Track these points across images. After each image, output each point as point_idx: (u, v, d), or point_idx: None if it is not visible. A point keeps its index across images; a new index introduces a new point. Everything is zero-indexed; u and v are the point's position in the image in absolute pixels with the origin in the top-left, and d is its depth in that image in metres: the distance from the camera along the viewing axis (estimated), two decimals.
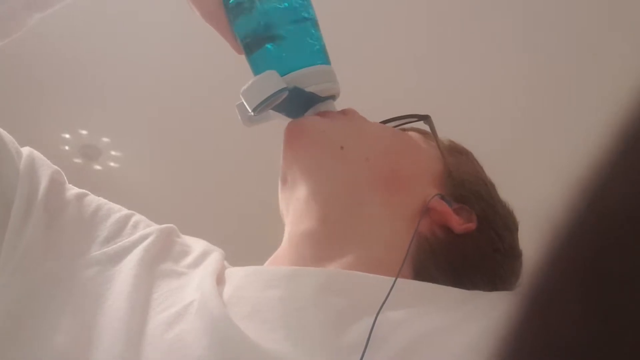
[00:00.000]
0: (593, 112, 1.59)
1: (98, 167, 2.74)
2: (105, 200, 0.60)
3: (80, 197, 0.58)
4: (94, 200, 0.59)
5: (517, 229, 0.61)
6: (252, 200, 2.34)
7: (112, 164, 2.72)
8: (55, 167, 0.59)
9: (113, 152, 2.67)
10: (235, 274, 0.52)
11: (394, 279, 0.47)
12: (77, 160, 2.71)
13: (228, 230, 2.64)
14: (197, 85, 2.23)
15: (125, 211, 0.60)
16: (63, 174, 0.59)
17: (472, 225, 0.56)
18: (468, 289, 0.53)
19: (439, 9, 1.82)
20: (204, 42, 1.79)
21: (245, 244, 1.94)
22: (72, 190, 0.59)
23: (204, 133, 2.44)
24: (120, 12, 2.02)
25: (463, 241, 0.56)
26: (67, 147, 2.66)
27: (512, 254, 0.59)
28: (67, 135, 2.60)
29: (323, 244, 0.54)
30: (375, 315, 0.43)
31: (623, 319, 0.12)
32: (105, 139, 2.60)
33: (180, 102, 2.33)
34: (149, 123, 2.47)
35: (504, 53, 1.91)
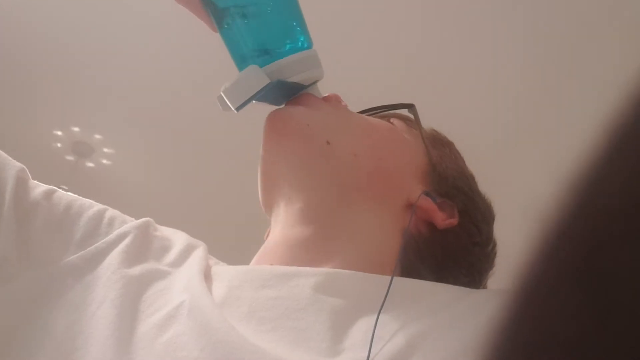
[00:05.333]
0: (587, 106, 1.59)
1: (90, 165, 2.73)
2: (75, 196, 0.57)
3: (48, 196, 0.55)
4: (63, 197, 0.56)
5: (493, 220, 0.62)
6: (247, 198, 2.34)
7: (104, 161, 2.71)
8: (19, 164, 0.55)
9: (105, 150, 2.66)
10: (226, 273, 0.51)
11: (389, 277, 0.46)
12: (69, 158, 2.70)
13: (222, 227, 2.64)
14: (190, 82, 2.23)
15: (97, 206, 0.57)
16: (27, 170, 0.56)
17: (454, 221, 0.56)
18: (449, 282, 0.53)
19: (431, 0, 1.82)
20: (196, 39, 1.79)
21: (240, 241, 1.94)
22: (39, 188, 0.55)
23: (198, 130, 2.43)
24: (113, 9, 2.01)
25: (445, 236, 0.56)
26: (59, 144, 2.65)
27: (488, 244, 0.60)
28: (59, 132, 2.59)
29: (314, 243, 0.53)
30: (376, 315, 0.42)
31: (618, 314, 0.12)
32: (97, 136, 2.59)
33: (174, 100, 2.32)
34: (142, 120, 2.46)
35: (498, 47, 1.91)
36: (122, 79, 2.28)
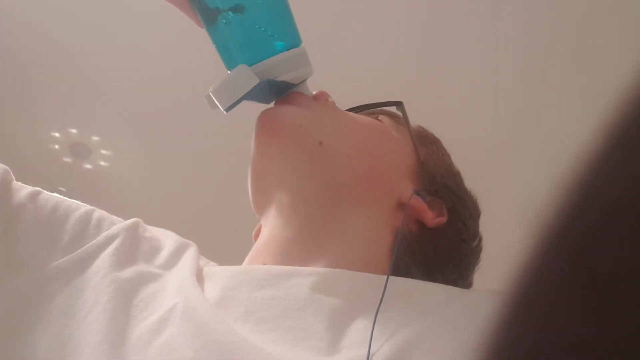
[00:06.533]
0: (586, 106, 1.59)
1: (88, 166, 2.73)
2: (61, 197, 0.56)
3: (33, 197, 0.54)
4: (49, 199, 0.55)
5: (479, 217, 0.62)
6: (243, 199, 2.33)
7: (102, 162, 2.71)
8: (2, 165, 0.54)
9: (103, 151, 2.65)
10: (219, 274, 0.50)
11: (384, 277, 0.46)
12: (67, 159, 2.69)
13: (219, 228, 2.64)
14: (188, 84, 2.22)
15: (84, 208, 0.55)
16: (10, 171, 0.54)
17: (443, 219, 0.56)
18: (438, 280, 0.54)
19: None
20: (194, 41, 1.79)
21: (236, 242, 1.93)
22: (24, 189, 0.54)
23: (195, 131, 2.43)
24: (111, 10, 2.01)
25: (434, 234, 0.56)
26: (56, 146, 2.65)
27: (474, 240, 0.61)
28: (57, 134, 2.59)
29: (306, 243, 0.52)
30: (374, 314, 0.42)
31: (619, 315, 0.12)
32: (95, 138, 2.59)
33: (171, 101, 2.32)
34: (140, 121, 2.46)
35: (497, 47, 1.91)
36: (120, 80, 2.27)
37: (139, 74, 2.24)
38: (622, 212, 0.13)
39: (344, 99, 0.63)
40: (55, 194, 0.56)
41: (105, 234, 0.53)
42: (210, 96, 0.56)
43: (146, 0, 1.96)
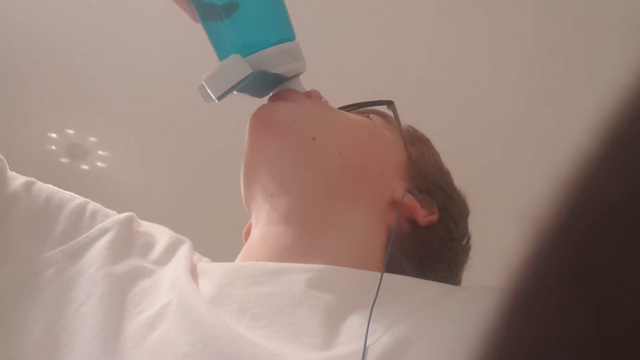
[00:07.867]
0: (585, 106, 1.59)
1: (85, 167, 2.72)
2: (55, 188, 0.56)
3: (27, 187, 0.54)
4: (42, 189, 0.55)
5: (468, 215, 0.63)
6: (238, 197, 2.32)
7: (99, 163, 2.70)
8: None
9: (100, 152, 2.65)
10: (213, 271, 0.50)
11: (378, 274, 0.47)
12: (64, 160, 2.69)
13: (216, 228, 2.63)
14: (185, 85, 2.22)
15: (78, 199, 0.55)
16: (5, 160, 0.54)
17: (434, 217, 0.58)
18: (428, 277, 0.54)
19: None
20: (192, 41, 1.79)
21: (234, 241, 1.93)
22: (18, 179, 0.54)
23: (192, 132, 2.43)
24: (109, 11, 2.01)
25: (425, 232, 0.57)
26: (53, 147, 2.64)
27: (464, 238, 0.61)
28: (54, 135, 2.58)
29: (299, 240, 0.52)
30: (369, 310, 0.43)
31: (618, 315, 0.12)
32: (92, 139, 2.58)
33: (169, 102, 2.32)
34: (137, 122, 2.45)
35: (494, 46, 1.91)
36: (117, 81, 2.27)
37: (137, 75, 2.24)
38: (621, 212, 0.13)
39: (335, 98, 0.63)
40: (49, 185, 0.56)
41: (99, 226, 0.52)
42: (203, 86, 0.56)
43: (145, 0, 1.96)
